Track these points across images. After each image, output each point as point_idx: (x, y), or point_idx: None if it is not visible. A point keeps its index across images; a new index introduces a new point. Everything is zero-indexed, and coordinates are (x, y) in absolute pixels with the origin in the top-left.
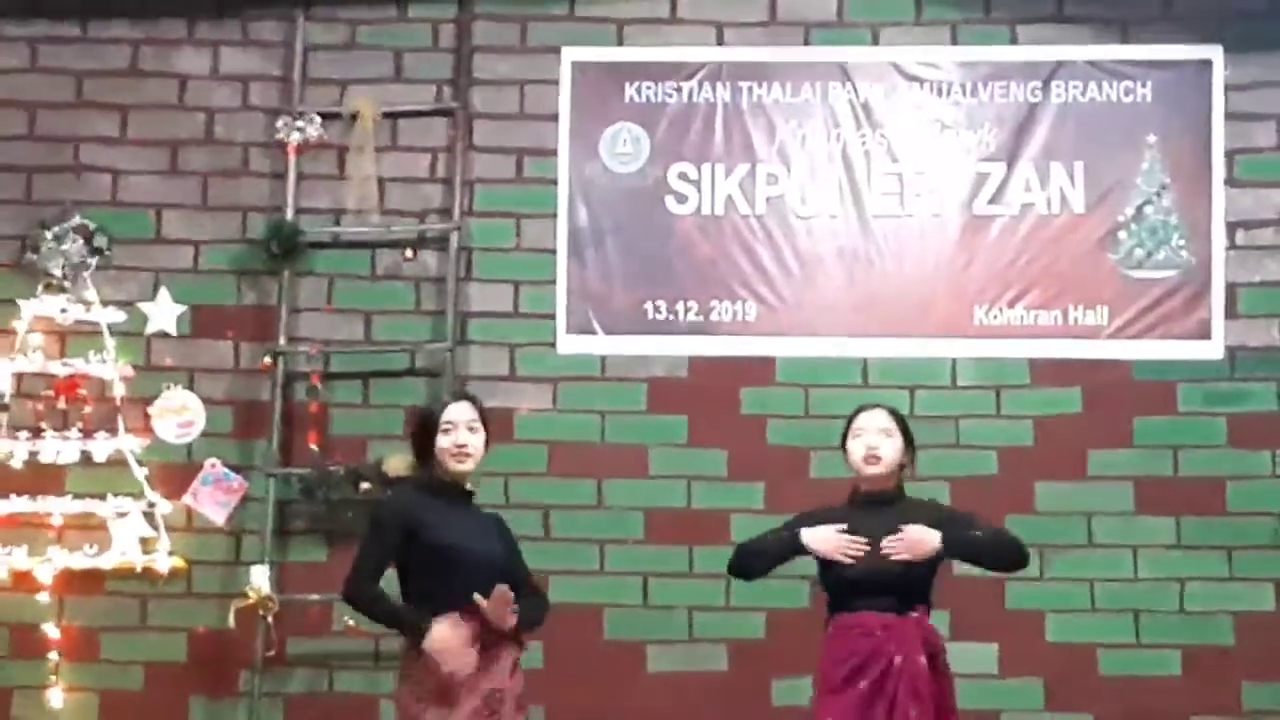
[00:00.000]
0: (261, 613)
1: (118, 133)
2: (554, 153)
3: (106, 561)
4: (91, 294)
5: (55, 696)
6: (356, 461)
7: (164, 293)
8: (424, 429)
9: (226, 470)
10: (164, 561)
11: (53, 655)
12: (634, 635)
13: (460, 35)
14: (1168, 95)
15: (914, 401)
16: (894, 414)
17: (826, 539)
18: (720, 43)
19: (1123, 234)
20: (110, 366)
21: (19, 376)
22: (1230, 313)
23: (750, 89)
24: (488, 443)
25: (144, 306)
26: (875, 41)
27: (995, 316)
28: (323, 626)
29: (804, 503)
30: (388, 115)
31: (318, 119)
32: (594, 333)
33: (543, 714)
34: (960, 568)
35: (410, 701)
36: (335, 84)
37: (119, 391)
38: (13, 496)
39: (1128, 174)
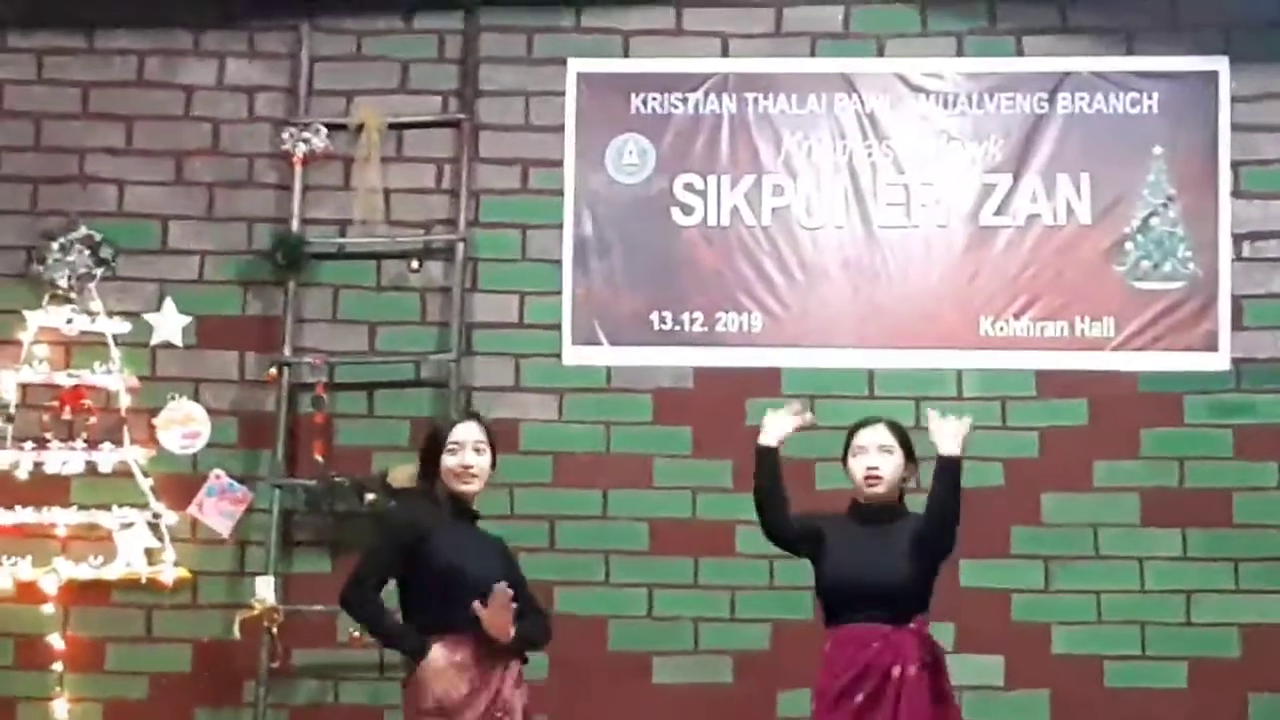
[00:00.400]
0: (266, 624)
1: (123, 143)
2: (560, 164)
3: (111, 572)
4: (97, 305)
5: (60, 707)
6: (361, 472)
7: (169, 303)
8: (430, 447)
9: (231, 481)
10: (169, 572)
11: (57, 666)
12: (639, 647)
13: (466, 46)
14: (1174, 107)
15: (919, 413)
16: (894, 428)
17: (775, 421)
18: (726, 54)
19: (1129, 245)
20: (115, 377)
21: (24, 387)
22: (1237, 324)
23: (756, 100)
24: (494, 463)
25: (149, 317)
26: (881, 53)
27: (1001, 328)
28: (328, 637)
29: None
30: (393, 126)
31: (323, 130)
32: (599, 344)
33: None
34: (967, 580)
35: (413, 714)
36: (341, 95)
37: (124, 402)
38: (18, 507)
39: (1134, 185)
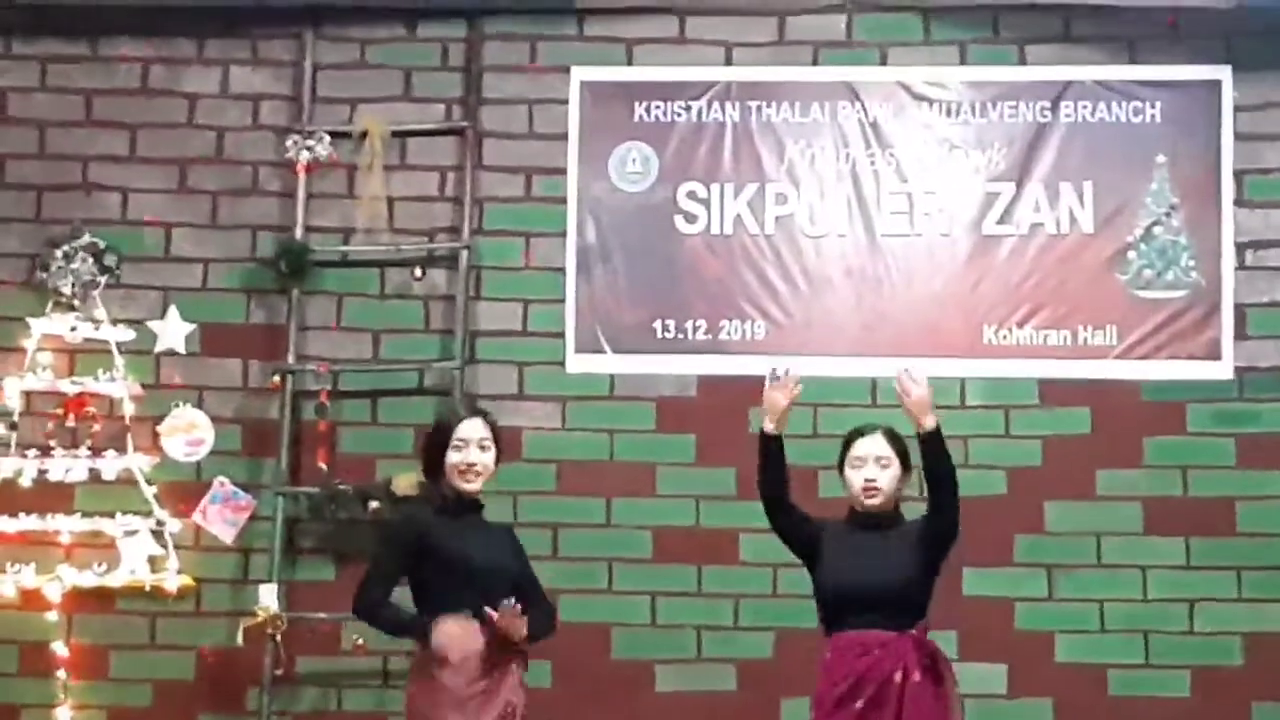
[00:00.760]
0: (270, 631)
1: (127, 151)
2: (563, 172)
3: (115, 580)
4: (101, 312)
5: (64, 715)
6: (365, 480)
7: (173, 311)
8: (435, 442)
9: (235, 489)
10: (173, 580)
11: (61, 673)
12: (642, 655)
13: (470, 54)
14: (1177, 116)
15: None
16: (892, 438)
17: (768, 399)
18: (729, 62)
19: (1132, 254)
20: (119, 385)
21: (28, 395)
22: (1240, 333)
23: (759, 108)
24: (499, 459)
25: (153, 325)
26: (884, 61)
27: (1004, 336)
28: (331, 645)
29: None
30: (397, 134)
31: (327, 138)
32: (603, 351)
33: None
34: (970, 589)
35: (427, 705)
36: (344, 103)
37: (128, 410)
38: (22, 515)
39: (1137, 194)
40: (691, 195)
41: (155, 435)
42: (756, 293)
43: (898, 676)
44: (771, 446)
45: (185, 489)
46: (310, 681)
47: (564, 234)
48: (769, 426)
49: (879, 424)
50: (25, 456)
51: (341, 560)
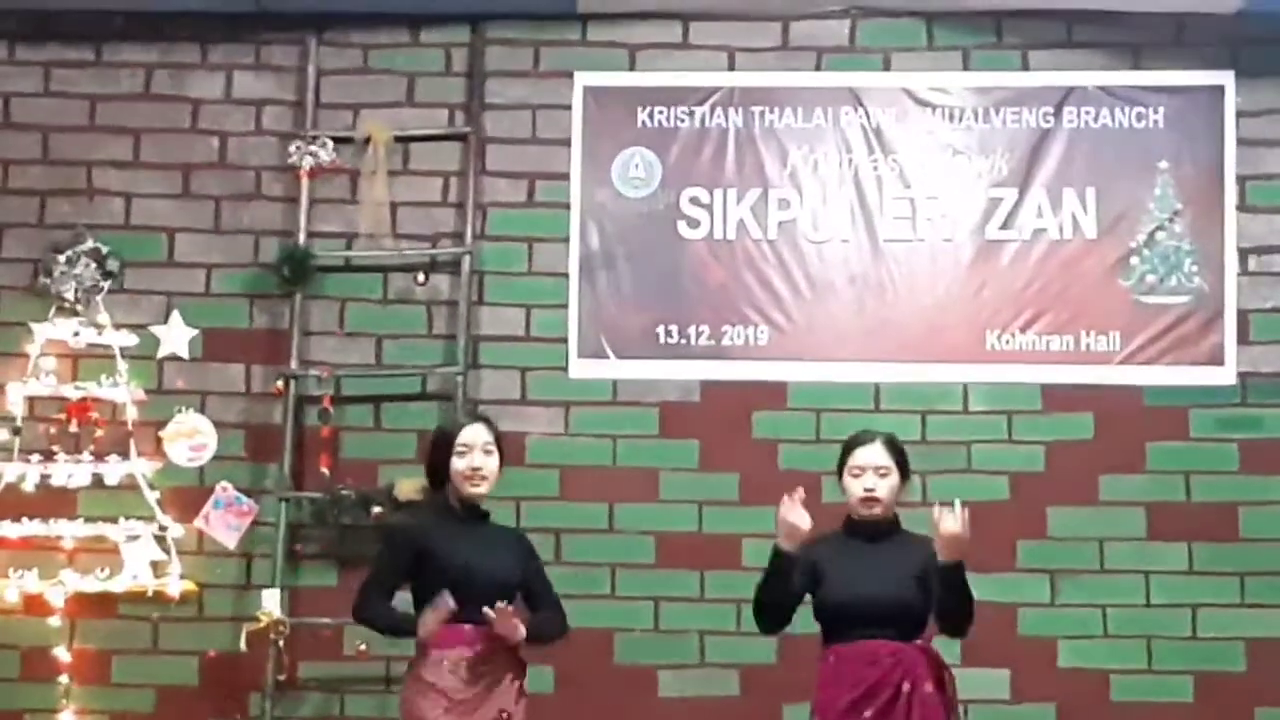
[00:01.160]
0: (273, 636)
1: (130, 156)
2: (566, 177)
3: (118, 585)
4: (104, 317)
5: None
6: (368, 485)
7: (176, 316)
8: (439, 449)
9: (238, 494)
10: (175, 585)
11: (64, 679)
12: (645, 660)
13: (473, 60)
14: (1180, 121)
15: (925, 427)
16: (891, 447)
17: (782, 520)
18: (732, 68)
19: (1135, 260)
20: (122, 390)
21: (31, 400)
22: (1243, 338)
23: (762, 114)
24: (502, 465)
25: (156, 330)
26: (887, 67)
27: (1007, 342)
28: (334, 650)
29: (815, 527)
30: (400, 139)
31: (330, 143)
32: (606, 357)
33: None
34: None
35: (418, 707)
36: (348, 108)
37: (131, 415)
38: (24, 520)
39: (1140, 200)
40: (694, 200)
41: (158, 440)
42: (759, 298)
43: (906, 686)
44: (784, 565)
45: (188, 494)
46: (313, 687)
47: (567, 239)
48: (787, 546)
49: (878, 432)
50: (28, 461)
51: (344, 565)
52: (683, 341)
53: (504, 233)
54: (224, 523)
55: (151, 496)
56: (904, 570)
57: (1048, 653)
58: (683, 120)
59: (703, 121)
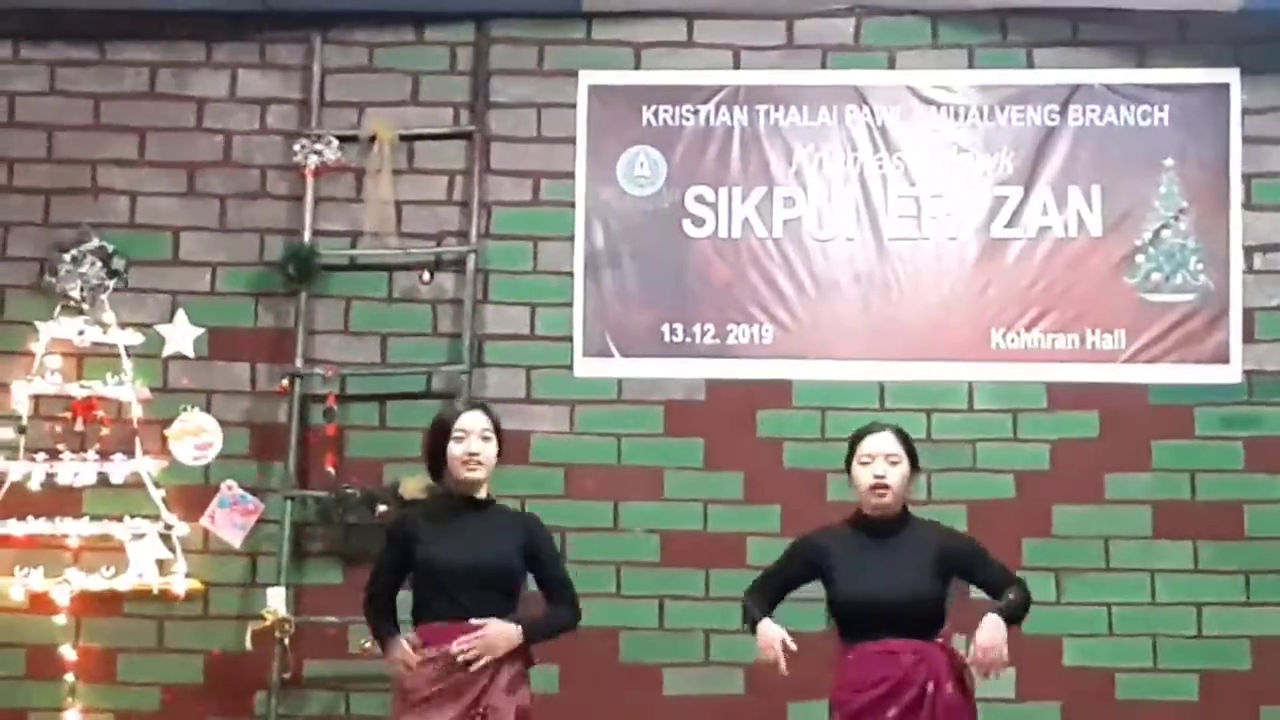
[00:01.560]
0: (278, 635)
1: (135, 155)
2: (571, 175)
3: (123, 583)
4: (109, 316)
5: (72, 718)
6: (373, 484)
7: (181, 315)
8: (436, 438)
9: (243, 492)
10: (180, 583)
11: (69, 677)
12: (650, 658)
13: (477, 58)
14: (1185, 119)
15: (931, 425)
16: (901, 437)
17: (761, 637)
18: (737, 66)
19: (1140, 258)
20: (128, 388)
21: (37, 398)
22: (1248, 336)
23: (767, 112)
24: (500, 452)
25: (161, 329)
26: (892, 65)
27: (1012, 340)
28: (339, 649)
29: (819, 526)
30: (405, 138)
31: (335, 142)
32: (611, 355)
33: None
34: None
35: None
36: (352, 107)
37: (136, 413)
38: (30, 518)
39: (1145, 198)
40: (699, 199)
41: (163, 439)
42: (764, 296)
43: (930, 686)
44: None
45: (193, 492)
46: (318, 685)
47: (572, 238)
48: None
49: (887, 423)
50: (34, 460)
51: (349, 564)
52: (688, 340)
53: (509, 231)
54: (229, 521)
55: (157, 495)
56: (917, 565)
57: (1053, 651)
58: (688, 119)
59: (707, 120)
